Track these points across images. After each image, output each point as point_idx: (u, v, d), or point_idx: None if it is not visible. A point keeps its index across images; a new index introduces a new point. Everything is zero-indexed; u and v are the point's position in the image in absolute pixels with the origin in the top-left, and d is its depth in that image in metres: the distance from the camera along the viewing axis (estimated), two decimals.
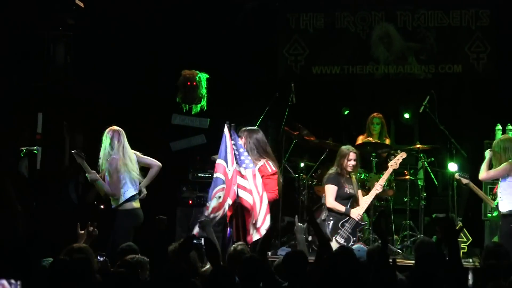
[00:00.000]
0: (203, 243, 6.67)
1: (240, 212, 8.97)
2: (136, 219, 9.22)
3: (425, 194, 11.39)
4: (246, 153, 8.91)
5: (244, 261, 6.38)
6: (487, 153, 9.80)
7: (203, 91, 11.42)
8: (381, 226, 7.04)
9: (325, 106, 13.19)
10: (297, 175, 11.75)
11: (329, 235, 9.99)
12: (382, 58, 13.26)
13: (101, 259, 7.19)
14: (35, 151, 9.62)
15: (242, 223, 8.94)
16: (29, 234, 9.60)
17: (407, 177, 11.44)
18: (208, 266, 6.89)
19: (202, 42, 12.46)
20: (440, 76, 13.08)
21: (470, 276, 9.91)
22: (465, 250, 10.66)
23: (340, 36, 13.35)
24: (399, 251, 10.84)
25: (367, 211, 10.49)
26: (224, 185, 8.69)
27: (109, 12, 11.67)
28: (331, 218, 10.10)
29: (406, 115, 12.99)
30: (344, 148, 10.32)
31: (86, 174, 9.21)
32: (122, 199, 9.19)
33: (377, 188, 10.31)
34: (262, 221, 8.77)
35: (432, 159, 11.49)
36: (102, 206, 9.36)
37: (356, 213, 10.07)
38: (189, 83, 11.37)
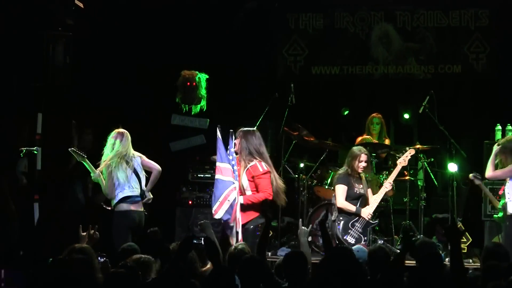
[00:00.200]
0: (203, 243, 6.65)
1: None
2: (130, 221, 9.22)
3: (424, 195, 11.39)
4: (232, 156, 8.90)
5: (243, 261, 6.37)
6: (495, 148, 9.77)
7: (203, 92, 11.43)
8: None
9: (325, 107, 13.20)
10: (296, 176, 11.74)
11: (340, 235, 10.00)
12: (382, 58, 13.26)
13: (101, 260, 7.21)
14: (35, 152, 9.62)
15: None
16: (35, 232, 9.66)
17: (407, 177, 11.44)
18: (209, 265, 6.89)
19: (202, 43, 12.45)
20: (439, 76, 13.07)
21: None
22: (465, 251, 10.65)
23: (339, 37, 13.34)
24: (398, 251, 10.83)
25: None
26: (234, 185, 8.66)
27: (109, 12, 11.67)
28: (341, 218, 10.09)
29: (406, 115, 13.00)
30: (355, 149, 10.29)
31: (91, 173, 9.26)
32: (116, 200, 9.25)
33: (387, 186, 10.30)
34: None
35: (432, 159, 11.49)
36: (109, 208, 9.35)
37: (367, 212, 10.05)
38: (188, 83, 11.38)
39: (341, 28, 13.33)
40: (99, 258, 6.95)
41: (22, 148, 9.73)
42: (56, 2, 10.29)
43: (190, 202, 11.41)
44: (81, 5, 10.43)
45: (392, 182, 10.38)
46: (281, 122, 11.39)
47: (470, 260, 10.42)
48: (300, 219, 8.37)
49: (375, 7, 13.23)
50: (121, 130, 9.28)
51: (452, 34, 13.08)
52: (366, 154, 10.18)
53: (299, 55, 13.42)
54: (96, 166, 9.25)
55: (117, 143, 9.23)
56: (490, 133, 11.32)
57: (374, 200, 10.20)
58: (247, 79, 12.87)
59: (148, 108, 11.96)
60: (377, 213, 10.86)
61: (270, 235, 9.97)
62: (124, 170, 9.20)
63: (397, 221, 11.37)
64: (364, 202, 10.21)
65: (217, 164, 8.70)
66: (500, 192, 10.15)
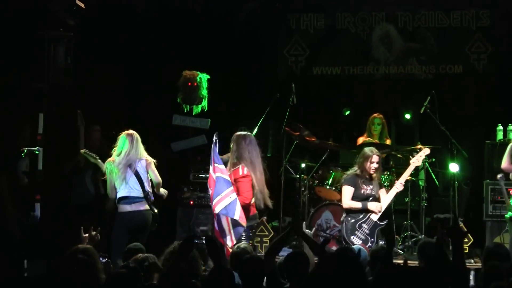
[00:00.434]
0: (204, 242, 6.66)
1: None
2: (128, 223, 9.24)
3: (426, 195, 11.40)
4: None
5: (243, 261, 6.37)
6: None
7: (204, 92, 11.41)
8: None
9: (326, 107, 13.20)
10: (298, 176, 11.74)
11: (346, 236, 9.99)
12: (383, 58, 13.28)
13: (103, 260, 7.22)
14: (36, 152, 9.62)
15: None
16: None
17: (408, 177, 11.42)
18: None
19: (203, 43, 12.46)
20: (440, 76, 13.09)
21: (471, 277, 9.96)
22: (466, 251, 10.64)
23: (340, 37, 13.37)
24: (400, 251, 10.84)
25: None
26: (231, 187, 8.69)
27: (110, 13, 11.66)
28: (349, 219, 10.09)
29: (407, 116, 12.99)
30: (367, 149, 10.23)
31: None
32: (115, 200, 9.32)
33: (397, 186, 10.24)
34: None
35: (433, 159, 11.48)
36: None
37: (374, 205, 10.02)
38: (189, 83, 11.37)
39: (342, 28, 13.36)
40: (100, 258, 6.95)
41: (24, 148, 9.73)
42: (58, 3, 10.27)
43: (191, 202, 11.40)
44: (82, 5, 10.42)
45: (403, 183, 10.33)
46: (282, 122, 11.39)
47: (472, 261, 10.41)
48: (304, 222, 8.35)
49: (376, 8, 13.26)
50: (130, 131, 9.32)
51: (453, 35, 13.10)
52: (378, 155, 10.13)
53: (300, 56, 13.44)
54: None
55: (126, 143, 9.26)
56: (491, 133, 11.32)
57: (384, 200, 10.16)
58: (248, 79, 12.87)
59: (149, 108, 11.95)
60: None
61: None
62: (122, 172, 9.23)
63: (398, 221, 11.36)
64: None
65: (216, 165, 8.70)
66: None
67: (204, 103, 11.57)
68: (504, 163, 9.85)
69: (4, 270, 7.97)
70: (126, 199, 9.25)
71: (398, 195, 11.31)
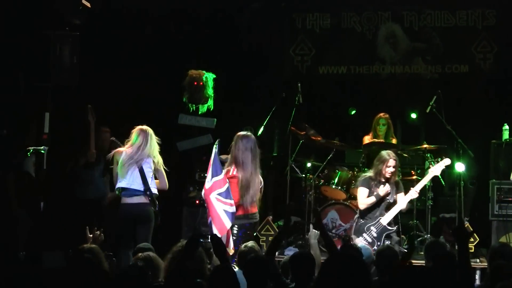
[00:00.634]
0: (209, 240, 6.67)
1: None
2: (128, 214, 9.33)
3: (432, 194, 11.37)
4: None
5: (247, 261, 6.37)
6: None
7: (210, 91, 11.40)
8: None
9: (332, 106, 13.19)
10: (303, 175, 11.74)
11: (353, 235, 10.00)
12: (388, 58, 13.27)
13: (108, 259, 7.23)
14: (42, 151, 9.64)
15: None
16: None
17: (414, 177, 11.42)
18: None
19: (209, 43, 12.46)
20: (446, 76, 13.07)
21: (477, 276, 9.96)
22: (472, 250, 10.64)
23: (346, 36, 13.35)
24: (406, 251, 10.82)
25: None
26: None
27: (116, 12, 11.67)
28: (362, 220, 10.13)
29: (413, 115, 12.96)
30: (384, 153, 10.23)
31: None
32: (116, 190, 9.43)
33: (412, 194, 10.20)
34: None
35: (439, 159, 11.45)
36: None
37: (383, 190, 10.02)
38: (195, 83, 11.35)
39: (348, 28, 13.34)
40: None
41: (29, 148, 9.76)
42: (63, 2, 10.29)
43: (197, 202, 11.36)
44: (88, 5, 10.43)
45: (418, 191, 10.29)
46: (288, 121, 11.39)
47: (477, 260, 10.41)
48: (311, 222, 8.35)
49: (382, 7, 13.24)
50: (144, 127, 9.43)
51: (459, 34, 13.08)
52: (395, 160, 10.14)
53: (306, 55, 13.43)
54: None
55: (139, 138, 9.30)
56: (497, 133, 11.31)
57: (396, 206, 10.15)
58: (254, 79, 12.86)
59: (155, 107, 11.95)
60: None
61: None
62: (128, 165, 9.27)
63: (404, 221, 11.33)
64: (386, 206, 10.18)
65: (213, 179, 8.76)
66: None
67: (210, 102, 11.55)
68: None
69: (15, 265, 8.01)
70: (126, 191, 9.35)
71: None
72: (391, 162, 10.10)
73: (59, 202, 10.40)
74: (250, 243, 7.48)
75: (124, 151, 9.34)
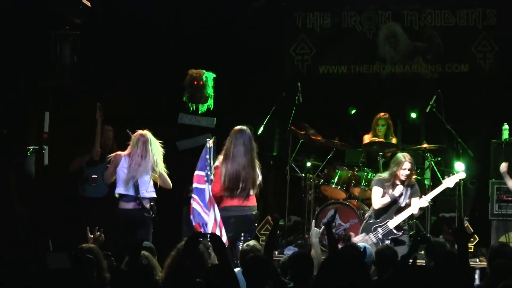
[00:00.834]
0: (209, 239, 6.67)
1: None
2: (123, 219, 9.34)
3: None
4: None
5: (246, 260, 6.37)
6: None
7: (210, 91, 11.39)
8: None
9: (332, 106, 13.19)
10: (303, 175, 11.74)
11: (360, 232, 10.06)
12: (389, 57, 13.27)
13: (107, 259, 7.22)
14: (43, 151, 9.65)
15: None
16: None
17: (414, 176, 11.40)
18: None
19: (209, 42, 12.46)
20: (446, 75, 13.07)
21: (476, 276, 9.96)
22: (472, 250, 10.65)
23: (346, 36, 13.36)
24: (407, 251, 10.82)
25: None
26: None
27: (116, 11, 11.67)
28: (371, 219, 10.14)
29: (413, 115, 12.97)
30: (400, 156, 10.18)
31: None
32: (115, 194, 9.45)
33: (422, 203, 10.13)
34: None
35: (439, 158, 11.46)
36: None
37: (398, 190, 10.00)
38: (195, 82, 11.34)
39: (349, 27, 13.35)
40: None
41: (30, 147, 9.76)
42: (64, 1, 10.30)
43: None
44: (88, 4, 10.44)
45: (429, 200, 10.24)
46: (288, 121, 11.40)
47: (477, 260, 10.42)
48: (314, 220, 8.35)
49: (383, 7, 13.25)
50: (143, 132, 9.40)
51: (460, 34, 13.08)
52: (410, 162, 10.05)
53: (306, 54, 13.43)
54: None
55: (138, 144, 9.29)
56: (497, 133, 11.31)
57: (407, 210, 10.13)
58: (254, 78, 12.87)
59: (155, 107, 11.96)
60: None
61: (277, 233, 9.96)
62: (129, 172, 9.27)
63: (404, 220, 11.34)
64: (397, 210, 10.17)
65: (196, 173, 8.88)
66: None
67: (210, 101, 11.55)
68: None
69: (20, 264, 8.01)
70: (124, 197, 9.34)
71: None
72: (407, 165, 10.02)
73: (62, 201, 10.42)
74: (252, 243, 7.47)
75: (124, 156, 9.30)
